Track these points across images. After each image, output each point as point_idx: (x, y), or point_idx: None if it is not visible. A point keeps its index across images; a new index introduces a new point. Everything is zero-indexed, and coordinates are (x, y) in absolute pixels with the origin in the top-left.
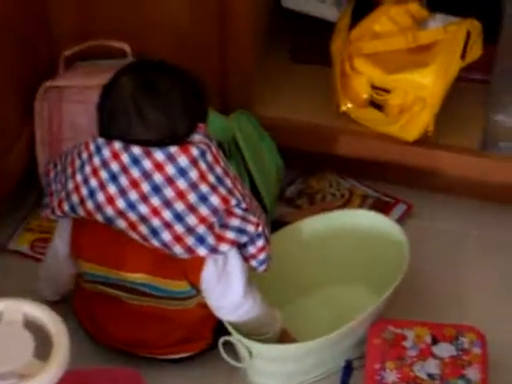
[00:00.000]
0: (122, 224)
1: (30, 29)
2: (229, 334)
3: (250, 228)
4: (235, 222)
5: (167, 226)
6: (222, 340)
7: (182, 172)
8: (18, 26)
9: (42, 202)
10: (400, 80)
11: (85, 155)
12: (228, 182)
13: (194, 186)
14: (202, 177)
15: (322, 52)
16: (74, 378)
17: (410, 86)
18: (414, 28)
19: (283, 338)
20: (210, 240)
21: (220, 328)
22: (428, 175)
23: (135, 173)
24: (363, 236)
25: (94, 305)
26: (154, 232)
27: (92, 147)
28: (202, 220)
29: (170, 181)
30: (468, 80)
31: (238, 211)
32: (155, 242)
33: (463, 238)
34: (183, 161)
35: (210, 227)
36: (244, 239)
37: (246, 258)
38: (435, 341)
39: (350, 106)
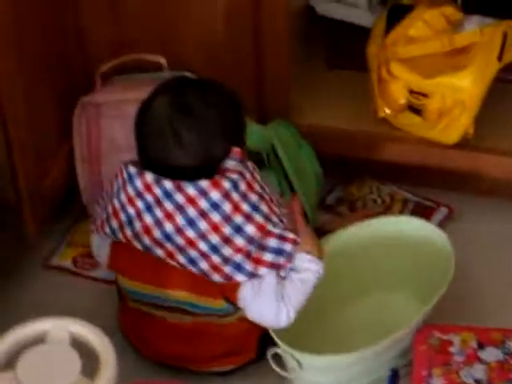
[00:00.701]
0: (159, 252)
1: (66, 45)
2: (275, 344)
3: (288, 246)
4: (272, 242)
5: (204, 256)
6: (270, 352)
7: (215, 206)
8: (54, 42)
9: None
10: (438, 84)
11: (120, 181)
12: (263, 207)
13: (227, 219)
14: (236, 208)
15: (357, 57)
16: None
17: (448, 89)
18: (449, 31)
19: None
20: (248, 266)
21: (265, 339)
22: (469, 178)
23: (169, 206)
24: (407, 243)
25: (139, 320)
26: (192, 261)
27: (125, 175)
28: (238, 250)
29: (203, 214)
30: (506, 81)
31: (274, 231)
32: (194, 270)
33: (506, 241)
34: (215, 195)
35: (247, 255)
36: (282, 259)
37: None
38: (481, 345)
39: (388, 111)
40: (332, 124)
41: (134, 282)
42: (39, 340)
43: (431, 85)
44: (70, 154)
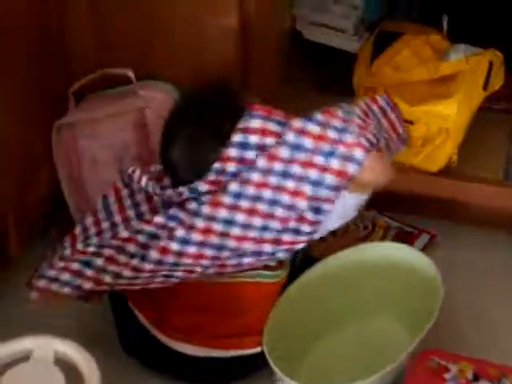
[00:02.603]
0: None
1: (50, 63)
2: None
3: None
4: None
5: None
6: None
7: None
8: (38, 60)
9: None
10: (423, 112)
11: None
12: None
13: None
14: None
15: (345, 82)
16: None
17: (434, 117)
18: (435, 59)
19: None
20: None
21: None
22: (452, 206)
23: None
24: (393, 270)
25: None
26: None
27: None
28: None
29: None
30: (490, 110)
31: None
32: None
33: (488, 270)
34: None
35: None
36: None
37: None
38: (476, 378)
39: None
40: None
41: None
42: (23, 358)
43: (416, 112)
44: (52, 172)
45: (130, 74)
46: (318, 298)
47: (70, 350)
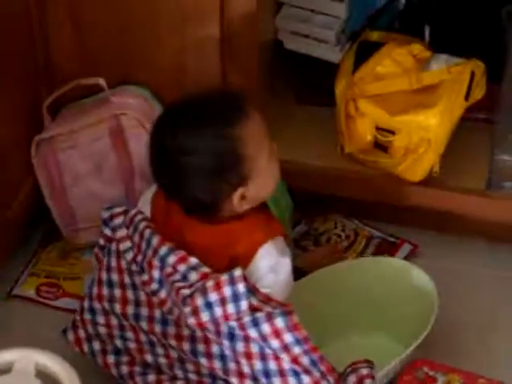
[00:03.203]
0: None
1: (33, 73)
2: None
3: None
4: None
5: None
6: None
7: None
8: (22, 70)
9: None
10: (405, 121)
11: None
12: None
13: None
14: None
15: (327, 93)
16: None
17: (415, 127)
18: (417, 69)
19: None
20: None
21: None
22: (434, 215)
23: None
24: (387, 283)
25: None
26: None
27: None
28: None
29: None
30: (472, 120)
31: None
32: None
33: (470, 279)
34: None
35: None
36: None
37: None
38: None
39: (354, 147)
40: (299, 159)
41: None
42: (4, 371)
43: (398, 122)
44: (33, 185)
45: (102, 81)
46: (307, 308)
47: (50, 361)
